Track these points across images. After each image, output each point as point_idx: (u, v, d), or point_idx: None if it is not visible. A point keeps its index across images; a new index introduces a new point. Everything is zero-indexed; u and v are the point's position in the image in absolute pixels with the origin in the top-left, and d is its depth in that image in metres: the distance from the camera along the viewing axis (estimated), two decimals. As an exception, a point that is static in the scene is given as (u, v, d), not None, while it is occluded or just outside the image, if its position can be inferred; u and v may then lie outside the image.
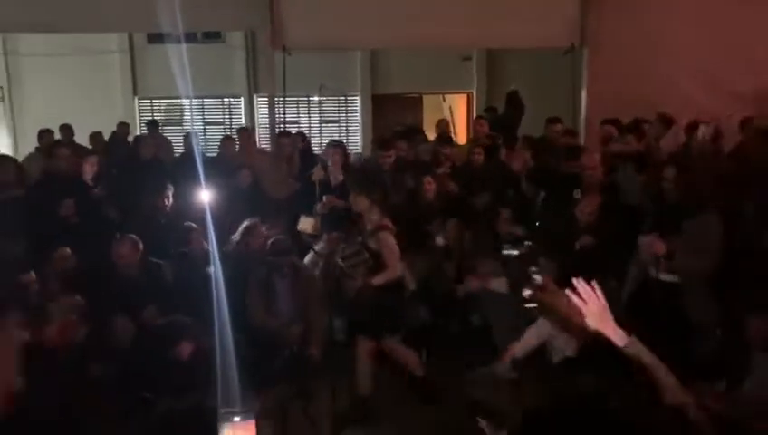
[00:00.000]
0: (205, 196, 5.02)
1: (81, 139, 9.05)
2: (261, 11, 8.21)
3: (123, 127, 9.60)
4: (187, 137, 8.36)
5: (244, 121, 12.97)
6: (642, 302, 3.59)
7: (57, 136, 8.63)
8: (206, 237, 4.75)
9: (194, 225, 5.02)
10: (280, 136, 6.86)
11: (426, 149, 6.89)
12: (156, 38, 12.20)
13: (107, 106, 11.80)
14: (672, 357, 1.95)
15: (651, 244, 3.47)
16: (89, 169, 6.17)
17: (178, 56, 11.89)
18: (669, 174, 3.83)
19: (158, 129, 9.91)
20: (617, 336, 1.84)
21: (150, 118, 11.97)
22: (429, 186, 5.52)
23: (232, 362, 3.39)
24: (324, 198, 5.56)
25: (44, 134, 8.48)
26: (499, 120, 9.00)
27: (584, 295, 1.82)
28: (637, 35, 7.96)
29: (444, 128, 9.63)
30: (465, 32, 8.60)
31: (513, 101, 9.46)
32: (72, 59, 11.63)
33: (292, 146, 6.59)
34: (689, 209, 3.62)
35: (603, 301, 1.83)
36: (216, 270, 4.01)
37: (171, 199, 5.54)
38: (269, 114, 8.90)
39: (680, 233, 3.58)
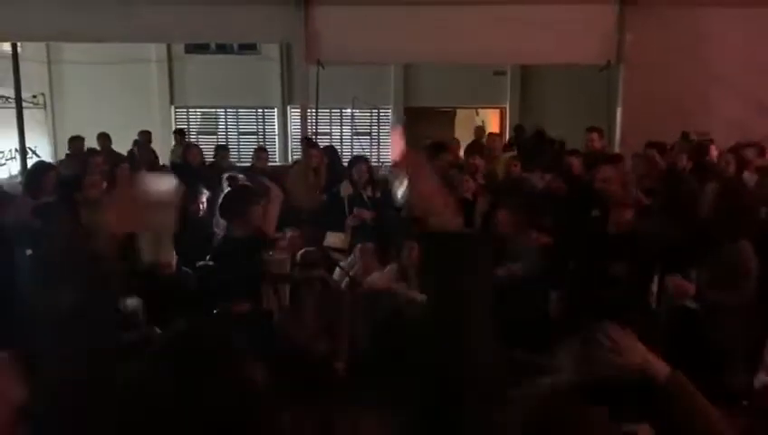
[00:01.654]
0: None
1: (120, 146, 9.25)
2: (296, 24, 8.30)
3: (145, 135, 9.75)
4: (218, 148, 8.47)
5: (277, 132, 13.12)
6: (670, 331, 3.47)
7: (93, 144, 8.83)
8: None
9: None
10: (309, 146, 6.86)
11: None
12: (193, 48, 12.46)
13: (144, 114, 12.03)
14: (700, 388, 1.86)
15: (681, 286, 3.35)
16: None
17: (215, 67, 12.20)
18: (709, 195, 3.66)
19: (185, 137, 10.12)
20: (659, 368, 1.67)
21: (181, 127, 12.21)
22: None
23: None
24: (355, 209, 5.57)
25: (74, 141, 8.70)
26: (524, 144, 9.01)
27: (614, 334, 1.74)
28: (674, 53, 7.84)
29: (480, 135, 9.65)
30: (500, 48, 8.56)
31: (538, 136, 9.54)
32: (112, 67, 11.91)
33: (321, 158, 6.61)
34: (720, 235, 3.48)
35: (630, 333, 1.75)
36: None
37: (205, 204, 5.62)
38: (301, 126, 8.98)
39: (708, 259, 3.45)
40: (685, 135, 6.54)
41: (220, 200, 4.72)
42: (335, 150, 7.72)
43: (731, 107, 7.54)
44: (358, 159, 6.07)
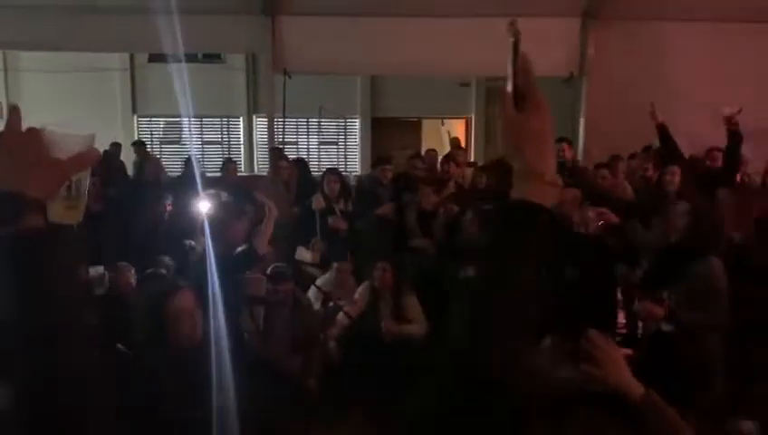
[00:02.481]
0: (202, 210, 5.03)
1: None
2: (262, 34, 8.24)
3: (116, 148, 9.52)
4: (188, 161, 8.33)
5: (242, 141, 13.00)
6: (647, 355, 3.49)
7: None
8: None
9: (192, 243, 5.01)
10: (278, 158, 6.81)
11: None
12: (157, 57, 12.26)
13: (106, 124, 11.79)
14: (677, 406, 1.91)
15: (650, 311, 3.38)
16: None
17: (179, 75, 12.00)
18: (681, 211, 3.67)
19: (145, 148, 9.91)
20: (634, 388, 1.72)
21: (144, 137, 11.99)
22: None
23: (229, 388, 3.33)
24: (330, 219, 5.53)
25: None
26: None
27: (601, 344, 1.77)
28: (636, 66, 8.01)
29: (457, 145, 9.70)
30: (465, 60, 8.63)
31: None
32: (73, 76, 11.65)
33: (291, 169, 6.56)
34: (691, 252, 3.52)
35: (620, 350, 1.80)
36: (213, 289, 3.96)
37: (170, 207, 5.55)
38: (268, 136, 8.91)
39: (679, 277, 3.48)
40: (647, 148, 6.66)
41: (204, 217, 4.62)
42: (305, 163, 7.67)
43: (691, 120, 7.71)
44: (330, 172, 6.03)
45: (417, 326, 4.73)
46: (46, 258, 0.95)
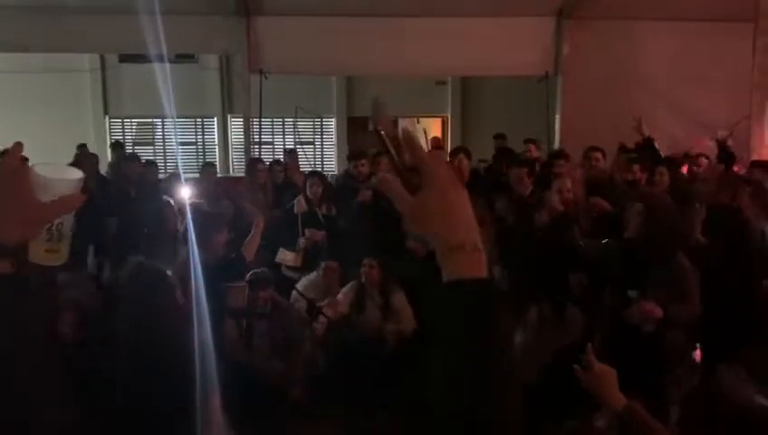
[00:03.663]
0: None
1: (53, 159, 8.84)
2: (236, 35, 8.17)
3: (83, 149, 9.28)
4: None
5: (216, 142, 12.88)
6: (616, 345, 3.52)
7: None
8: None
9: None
10: (255, 162, 6.76)
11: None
12: (128, 57, 12.08)
13: (77, 125, 11.60)
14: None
15: (651, 311, 3.40)
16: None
17: (151, 76, 11.84)
18: (638, 210, 3.72)
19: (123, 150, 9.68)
20: (616, 400, 1.92)
21: (116, 139, 11.77)
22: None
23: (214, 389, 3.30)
24: (306, 231, 5.49)
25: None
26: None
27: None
28: (610, 64, 8.11)
29: (438, 145, 9.68)
30: (441, 60, 8.66)
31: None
32: (43, 77, 11.42)
33: (266, 175, 6.52)
34: (656, 250, 3.56)
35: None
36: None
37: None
38: (244, 136, 8.85)
39: (650, 277, 3.52)
40: (622, 147, 6.73)
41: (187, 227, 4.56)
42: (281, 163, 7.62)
43: (664, 118, 7.83)
44: (312, 175, 5.96)
45: (407, 324, 4.75)
46: (8, 303, 0.95)
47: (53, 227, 1.03)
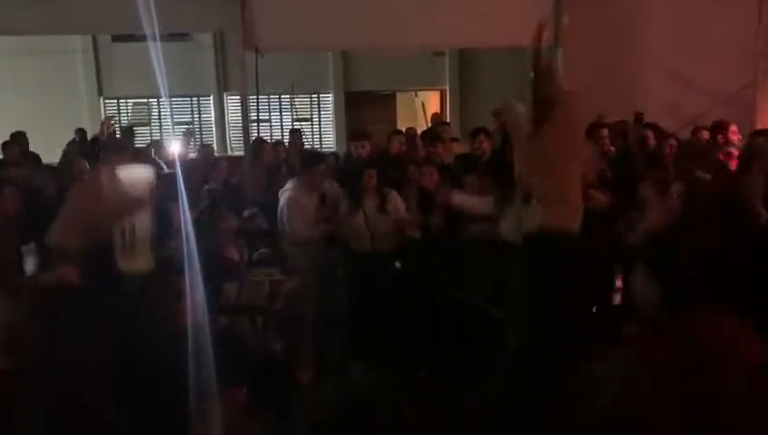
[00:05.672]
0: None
1: (48, 142, 8.75)
2: (231, 12, 8.02)
3: (82, 134, 9.14)
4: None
5: (213, 121, 12.77)
6: None
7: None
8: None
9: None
10: (260, 142, 6.73)
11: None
12: (121, 37, 11.90)
13: (72, 106, 11.47)
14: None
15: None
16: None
17: (145, 55, 11.68)
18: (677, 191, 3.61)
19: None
20: None
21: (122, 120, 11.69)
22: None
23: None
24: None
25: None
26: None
27: None
28: (610, 35, 7.98)
29: (438, 121, 9.56)
30: (437, 32, 8.53)
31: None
32: (35, 59, 11.26)
33: (271, 153, 6.47)
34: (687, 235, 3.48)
35: None
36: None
37: None
38: (242, 114, 8.74)
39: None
40: (638, 117, 6.64)
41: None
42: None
43: (665, 87, 7.75)
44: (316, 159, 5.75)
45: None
46: (70, 314, 0.94)
47: (126, 233, 1.00)
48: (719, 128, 6.22)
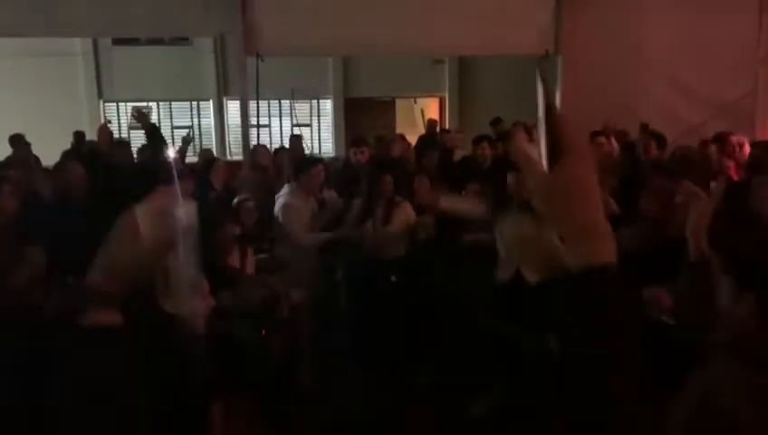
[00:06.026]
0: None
1: (48, 145, 8.73)
2: (231, 17, 8.02)
3: (81, 136, 9.10)
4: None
5: (213, 125, 12.77)
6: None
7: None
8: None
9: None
10: (258, 146, 6.75)
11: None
12: (121, 40, 11.92)
13: (71, 111, 11.46)
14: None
15: (659, 299, 3.32)
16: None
17: (145, 59, 11.70)
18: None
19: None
20: None
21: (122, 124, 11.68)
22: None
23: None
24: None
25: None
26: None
27: None
28: (611, 43, 7.99)
29: (433, 128, 9.57)
30: (438, 39, 8.53)
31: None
32: (36, 61, 11.26)
33: (268, 157, 6.46)
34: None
35: None
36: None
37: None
38: (242, 119, 8.73)
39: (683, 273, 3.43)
40: (644, 127, 6.65)
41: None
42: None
43: (667, 95, 7.76)
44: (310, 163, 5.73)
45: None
46: (111, 358, 0.91)
47: (164, 272, 0.98)
48: (720, 140, 6.28)
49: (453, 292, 4.37)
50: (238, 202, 4.69)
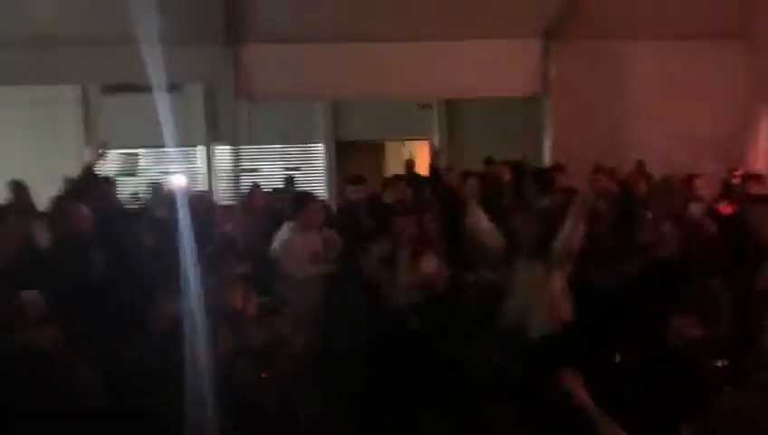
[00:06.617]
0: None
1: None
2: (223, 64, 8.12)
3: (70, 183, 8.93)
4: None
5: (202, 171, 12.72)
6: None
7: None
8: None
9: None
10: (255, 189, 6.75)
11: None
12: (110, 88, 11.93)
13: (60, 158, 11.37)
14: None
15: (688, 329, 3.31)
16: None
17: (134, 106, 11.70)
18: (666, 229, 3.69)
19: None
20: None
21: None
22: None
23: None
24: None
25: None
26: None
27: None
28: (599, 84, 8.16)
29: (411, 168, 9.61)
30: (427, 83, 8.69)
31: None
32: (23, 110, 11.24)
33: (264, 199, 6.45)
34: (689, 271, 3.51)
35: None
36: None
37: None
38: (233, 164, 8.75)
39: (677, 295, 3.46)
40: (640, 164, 6.77)
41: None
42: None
43: (655, 136, 7.89)
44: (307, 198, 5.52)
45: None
46: None
47: None
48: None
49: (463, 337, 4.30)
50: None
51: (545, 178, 6.17)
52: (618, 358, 3.47)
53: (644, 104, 8.13)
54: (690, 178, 6.43)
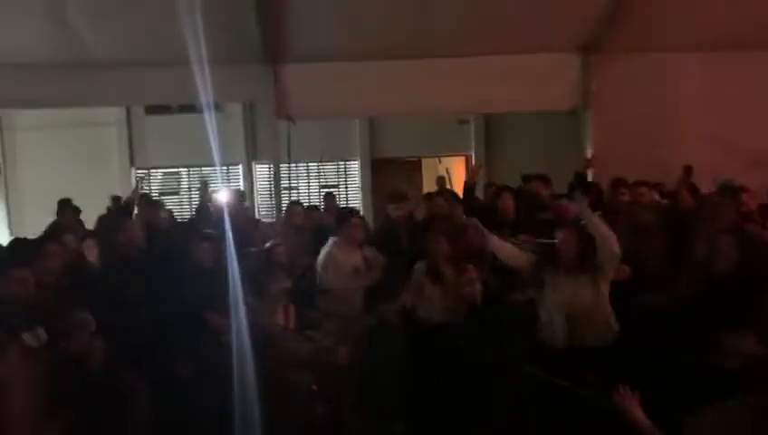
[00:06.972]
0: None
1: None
2: (262, 83, 8.23)
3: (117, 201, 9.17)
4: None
5: (243, 189, 12.89)
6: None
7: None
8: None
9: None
10: (293, 204, 6.80)
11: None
12: (154, 109, 12.23)
13: (104, 177, 11.67)
14: None
15: (746, 343, 3.22)
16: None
17: (176, 126, 11.96)
18: (722, 244, 3.60)
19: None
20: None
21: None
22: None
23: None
24: None
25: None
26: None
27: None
28: (641, 97, 8.01)
29: (443, 185, 9.53)
30: (465, 98, 8.63)
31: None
32: (69, 131, 11.58)
33: (303, 216, 6.48)
34: (747, 286, 3.41)
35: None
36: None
37: None
38: (273, 182, 8.82)
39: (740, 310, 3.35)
40: (687, 169, 6.65)
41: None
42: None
43: (695, 148, 7.70)
44: (350, 214, 5.54)
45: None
46: None
47: None
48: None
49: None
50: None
51: (591, 193, 6.07)
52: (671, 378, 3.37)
53: (685, 116, 7.95)
54: (737, 191, 6.26)
